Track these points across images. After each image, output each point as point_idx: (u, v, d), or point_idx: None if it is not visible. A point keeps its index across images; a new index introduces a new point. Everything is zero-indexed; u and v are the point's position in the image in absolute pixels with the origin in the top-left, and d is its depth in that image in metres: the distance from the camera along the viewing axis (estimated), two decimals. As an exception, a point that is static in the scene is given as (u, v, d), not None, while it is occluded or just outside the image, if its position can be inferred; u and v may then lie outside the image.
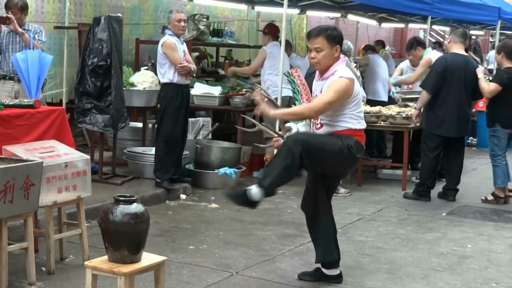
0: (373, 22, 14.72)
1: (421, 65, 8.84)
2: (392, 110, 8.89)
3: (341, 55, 4.87)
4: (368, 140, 10.36)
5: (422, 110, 8.12)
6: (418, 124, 8.34)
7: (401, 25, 16.77)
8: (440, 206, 7.81)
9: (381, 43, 13.45)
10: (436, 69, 7.91)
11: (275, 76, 8.80)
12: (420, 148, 8.23)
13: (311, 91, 5.15)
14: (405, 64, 9.66)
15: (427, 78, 8.05)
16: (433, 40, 15.81)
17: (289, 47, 10.33)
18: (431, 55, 8.77)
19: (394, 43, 20.23)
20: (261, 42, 10.11)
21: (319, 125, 4.87)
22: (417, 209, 7.63)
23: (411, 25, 16.14)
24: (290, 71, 5.53)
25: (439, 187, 8.27)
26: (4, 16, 6.62)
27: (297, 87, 5.30)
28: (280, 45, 8.52)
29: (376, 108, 9.00)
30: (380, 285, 5.11)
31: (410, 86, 9.51)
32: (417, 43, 9.31)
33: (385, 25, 15.80)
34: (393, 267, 5.55)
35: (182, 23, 7.47)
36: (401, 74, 9.52)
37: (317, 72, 4.96)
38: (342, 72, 4.73)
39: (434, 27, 16.41)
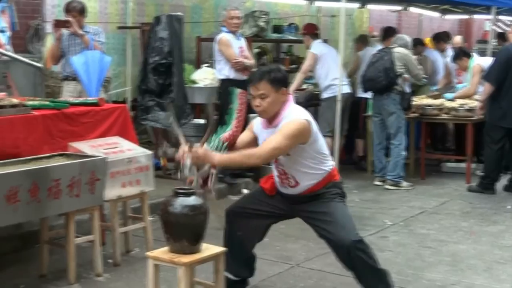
0: (436, 14, 14.50)
1: (474, 73, 8.88)
2: (455, 102, 8.79)
3: (290, 95, 4.26)
4: (432, 133, 10.39)
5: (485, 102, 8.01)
6: (482, 117, 8.22)
7: (465, 16, 16.46)
8: (505, 199, 7.69)
9: (441, 38, 12.88)
10: (498, 60, 7.81)
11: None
12: (483, 141, 8.12)
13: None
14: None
15: (490, 71, 7.96)
16: (499, 31, 15.47)
17: (366, 41, 10.25)
18: (478, 61, 8.90)
19: (460, 35, 19.85)
20: (323, 37, 10.06)
21: (293, 183, 4.27)
22: (481, 202, 7.54)
23: (476, 16, 15.81)
24: (237, 91, 5.14)
25: (505, 180, 8.15)
26: (64, 19, 6.83)
27: (235, 111, 4.67)
28: (324, 41, 8.52)
29: (438, 101, 8.92)
30: (441, 277, 5.08)
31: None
32: (463, 54, 9.26)
33: (449, 16, 15.52)
34: (455, 259, 5.51)
35: (235, 20, 7.59)
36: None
37: (262, 120, 4.30)
38: (295, 114, 4.15)
39: (500, 17, 16.03)
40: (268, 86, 4.10)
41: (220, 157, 4.11)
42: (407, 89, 8.29)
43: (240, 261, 4.51)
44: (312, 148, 4.19)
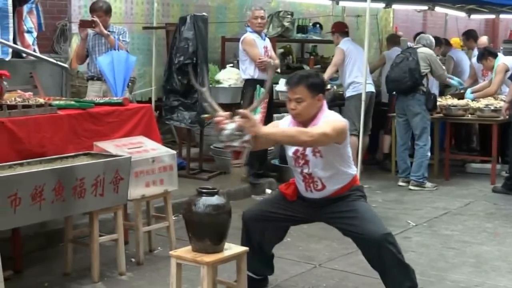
0: (462, 14, 14.38)
1: (498, 72, 8.87)
2: (480, 103, 8.73)
3: (324, 101, 4.28)
4: (456, 134, 10.33)
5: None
6: (507, 117, 8.16)
7: (492, 16, 16.31)
8: (531, 200, 7.64)
9: (471, 36, 12.80)
10: None
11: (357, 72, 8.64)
12: (509, 141, 8.05)
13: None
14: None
15: None
16: (526, 31, 15.34)
17: (397, 41, 10.17)
18: (503, 60, 8.86)
19: (486, 35, 19.69)
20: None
21: (320, 186, 4.30)
22: (506, 203, 7.48)
23: (502, 16, 15.64)
24: (262, 91, 5.08)
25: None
26: (90, 19, 6.89)
27: (260, 109, 4.74)
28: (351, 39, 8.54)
29: (463, 101, 8.87)
30: (464, 278, 5.05)
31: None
32: (488, 53, 9.19)
33: (475, 16, 15.39)
34: (479, 260, 5.48)
35: (259, 20, 7.59)
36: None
37: (292, 120, 4.31)
38: (333, 116, 4.25)
39: (527, 17, 15.90)
40: (305, 91, 4.15)
41: (267, 128, 4.14)
42: (435, 90, 8.26)
43: (259, 261, 4.56)
44: (344, 150, 4.26)
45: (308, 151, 4.26)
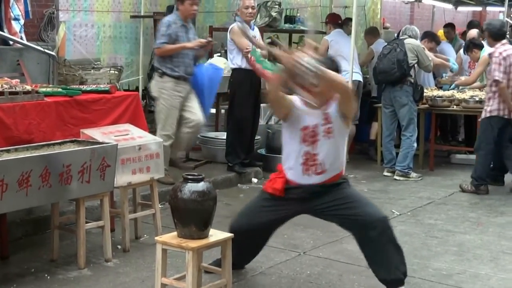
0: (449, 6, 14.47)
1: (479, 64, 8.93)
2: (466, 94, 8.80)
3: None
4: (442, 125, 10.39)
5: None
6: None
7: (479, 9, 16.41)
8: (514, 191, 7.73)
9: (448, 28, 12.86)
10: None
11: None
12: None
13: None
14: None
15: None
16: (512, 23, 15.40)
17: (373, 35, 10.18)
18: (488, 51, 8.79)
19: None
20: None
21: (320, 169, 4.29)
22: (490, 193, 7.55)
23: (489, 8, 15.77)
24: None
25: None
26: (206, 41, 6.95)
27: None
28: (345, 31, 8.57)
29: (449, 92, 8.93)
30: (447, 266, 5.12)
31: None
32: (473, 45, 9.26)
33: (462, 8, 15.48)
34: (461, 249, 5.55)
35: (250, 10, 7.59)
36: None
37: (301, 100, 4.29)
38: None
39: (513, 9, 15.98)
40: None
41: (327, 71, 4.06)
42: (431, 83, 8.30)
43: (247, 259, 4.75)
44: (346, 137, 4.34)
45: (321, 130, 4.24)
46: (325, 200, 4.33)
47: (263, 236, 4.65)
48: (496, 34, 7.58)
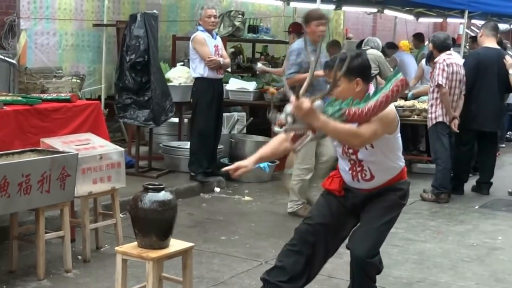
0: (410, 17, 14.67)
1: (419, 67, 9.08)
2: (426, 104, 8.90)
3: (371, 85, 4.00)
4: (403, 135, 10.46)
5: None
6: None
7: (440, 20, 16.65)
8: (473, 199, 7.84)
9: (417, 38, 13.25)
10: (468, 64, 7.92)
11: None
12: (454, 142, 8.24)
13: None
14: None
15: None
16: (472, 34, 15.66)
17: (337, 46, 10.22)
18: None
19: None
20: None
21: (368, 176, 3.98)
22: (450, 202, 7.65)
23: (450, 20, 16.00)
24: (399, 77, 4.44)
25: (473, 181, 8.29)
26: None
27: (381, 93, 3.80)
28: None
29: (410, 102, 9.04)
30: (407, 274, 5.18)
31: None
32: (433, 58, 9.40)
33: (423, 20, 15.70)
34: (422, 257, 5.62)
35: (212, 19, 7.61)
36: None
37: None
38: None
39: (474, 21, 16.23)
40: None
41: (326, 121, 3.64)
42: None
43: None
44: (396, 141, 3.97)
45: None
46: (371, 202, 4.06)
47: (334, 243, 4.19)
48: (440, 46, 7.82)
